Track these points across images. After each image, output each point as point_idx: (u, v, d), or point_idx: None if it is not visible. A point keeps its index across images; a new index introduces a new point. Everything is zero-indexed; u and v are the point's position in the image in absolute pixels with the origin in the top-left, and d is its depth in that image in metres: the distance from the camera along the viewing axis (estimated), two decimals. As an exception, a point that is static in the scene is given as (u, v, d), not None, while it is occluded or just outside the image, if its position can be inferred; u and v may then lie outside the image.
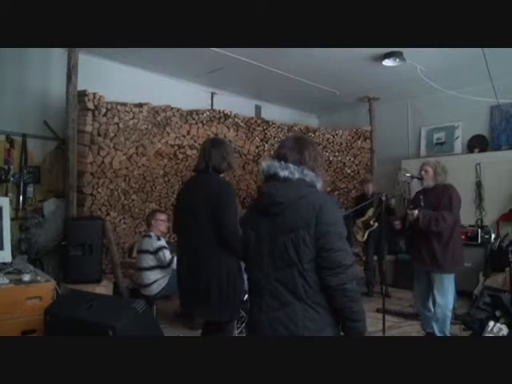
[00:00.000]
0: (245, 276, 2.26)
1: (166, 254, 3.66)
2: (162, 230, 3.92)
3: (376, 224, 4.95)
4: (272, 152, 5.22)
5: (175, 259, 3.62)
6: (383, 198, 3.71)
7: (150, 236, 3.76)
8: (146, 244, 3.72)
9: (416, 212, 3.14)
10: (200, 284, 2.27)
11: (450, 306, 3.22)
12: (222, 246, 2.25)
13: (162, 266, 3.67)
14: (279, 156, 1.53)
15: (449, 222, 3.09)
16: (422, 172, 3.30)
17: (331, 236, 1.40)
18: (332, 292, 1.40)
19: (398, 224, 3.41)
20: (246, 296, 2.22)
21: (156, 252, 3.66)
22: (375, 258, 5.29)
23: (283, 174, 1.47)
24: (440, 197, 3.18)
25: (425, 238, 3.17)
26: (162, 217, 3.95)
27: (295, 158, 1.51)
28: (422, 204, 3.15)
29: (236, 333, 3.40)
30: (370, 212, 5.08)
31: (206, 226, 2.28)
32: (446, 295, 3.17)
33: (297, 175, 1.47)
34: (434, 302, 3.23)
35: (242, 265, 2.24)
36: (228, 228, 2.22)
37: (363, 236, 5.24)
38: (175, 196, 5.30)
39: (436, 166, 3.28)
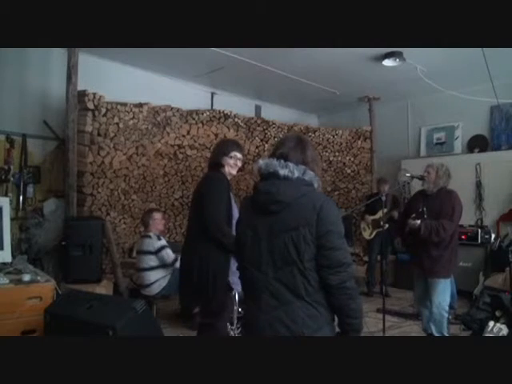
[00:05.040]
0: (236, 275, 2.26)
1: (170, 253, 3.66)
2: (160, 228, 3.91)
3: (386, 225, 4.93)
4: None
5: (180, 258, 3.63)
6: (383, 198, 3.72)
7: (149, 236, 3.75)
8: (147, 245, 3.71)
9: (418, 222, 3.14)
10: (189, 279, 2.33)
11: (446, 307, 3.23)
12: (208, 243, 2.27)
13: (164, 265, 3.67)
14: (280, 155, 1.53)
15: (449, 232, 3.11)
16: (425, 173, 3.29)
17: (332, 235, 1.41)
18: (332, 290, 1.41)
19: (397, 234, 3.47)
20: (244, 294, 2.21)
21: (158, 252, 3.66)
22: (378, 258, 5.29)
23: (283, 172, 1.47)
24: (442, 204, 3.18)
25: (424, 243, 3.18)
26: (159, 216, 3.94)
27: (298, 158, 1.51)
28: (425, 216, 3.13)
29: (236, 333, 3.40)
30: (381, 213, 5.07)
31: (194, 220, 2.38)
32: (441, 295, 3.20)
33: (296, 174, 1.47)
34: (431, 302, 3.24)
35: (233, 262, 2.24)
36: (208, 219, 2.25)
37: (370, 234, 5.23)
38: (175, 196, 5.36)
39: (439, 168, 3.26)
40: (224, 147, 2.49)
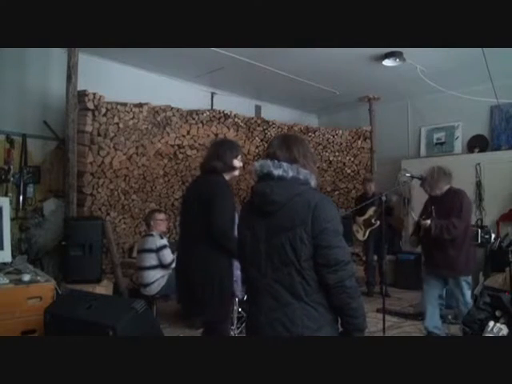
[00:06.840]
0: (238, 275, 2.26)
1: (169, 254, 3.66)
2: (161, 229, 3.92)
3: (378, 222, 4.94)
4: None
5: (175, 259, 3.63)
6: (383, 198, 3.72)
7: (152, 235, 3.75)
8: (150, 243, 3.70)
9: (428, 222, 3.18)
10: (189, 282, 2.30)
11: (470, 303, 3.30)
12: (212, 246, 2.23)
13: (162, 265, 3.67)
14: (269, 155, 1.52)
15: (460, 229, 3.16)
16: (429, 178, 3.32)
17: (328, 233, 1.39)
18: (331, 289, 1.39)
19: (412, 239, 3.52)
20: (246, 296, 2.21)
21: (159, 250, 3.66)
22: (375, 257, 5.29)
23: (277, 172, 1.46)
24: (452, 204, 3.24)
25: (440, 244, 3.23)
26: (161, 216, 3.94)
27: (285, 156, 1.49)
28: (434, 215, 3.15)
29: (236, 333, 3.40)
30: (371, 211, 5.07)
31: (197, 226, 2.31)
32: (467, 293, 3.28)
33: (291, 173, 1.45)
34: (457, 301, 3.31)
35: (236, 265, 2.24)
36: (217, 227, 2.21)
37: (364, 235, 5.24)
38: (176, 196, 5.36)
39: (432, 172, 3.29)
40: (234, 150, 2.46)
